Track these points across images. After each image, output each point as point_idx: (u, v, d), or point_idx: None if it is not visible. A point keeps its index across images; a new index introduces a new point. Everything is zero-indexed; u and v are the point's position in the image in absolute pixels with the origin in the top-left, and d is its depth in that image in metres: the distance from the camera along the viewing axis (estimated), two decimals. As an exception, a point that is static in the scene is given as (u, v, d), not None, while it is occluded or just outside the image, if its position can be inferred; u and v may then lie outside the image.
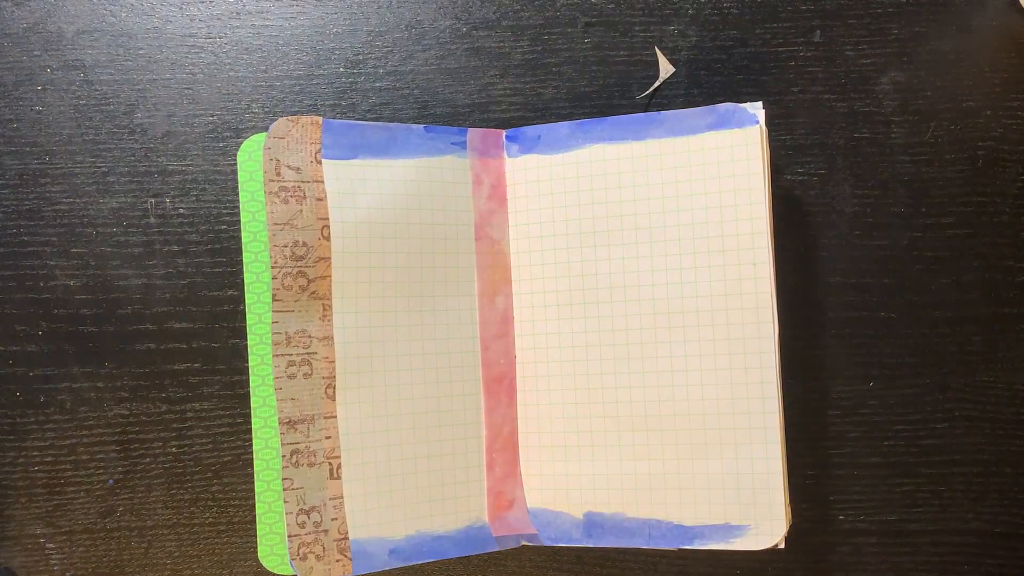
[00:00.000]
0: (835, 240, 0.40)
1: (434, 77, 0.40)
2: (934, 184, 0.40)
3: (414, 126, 0.38)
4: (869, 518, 0.40)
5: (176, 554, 0.40)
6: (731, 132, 0.37)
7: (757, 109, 0.37)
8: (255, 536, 0.40)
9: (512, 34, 0.40)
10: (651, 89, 0.40)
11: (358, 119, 0.40)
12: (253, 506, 0.40)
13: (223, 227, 0.40)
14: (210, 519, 0.40)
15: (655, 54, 0.40)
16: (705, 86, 0.40)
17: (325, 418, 0.37)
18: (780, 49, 0.40)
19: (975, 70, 0.40)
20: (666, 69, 0.40)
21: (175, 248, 0.40)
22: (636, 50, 0.40)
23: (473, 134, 0.39)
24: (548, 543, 0.38)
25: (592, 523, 0.38)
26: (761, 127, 0.36)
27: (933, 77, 0.40)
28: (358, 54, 0.40)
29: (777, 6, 0.40)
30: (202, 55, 0.40)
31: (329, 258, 0.37)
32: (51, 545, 0.40)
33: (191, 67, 0.40)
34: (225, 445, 0.40)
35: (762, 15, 0.40)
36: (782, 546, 0.36)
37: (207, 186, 0.40)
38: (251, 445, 0.39)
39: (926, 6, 0.40)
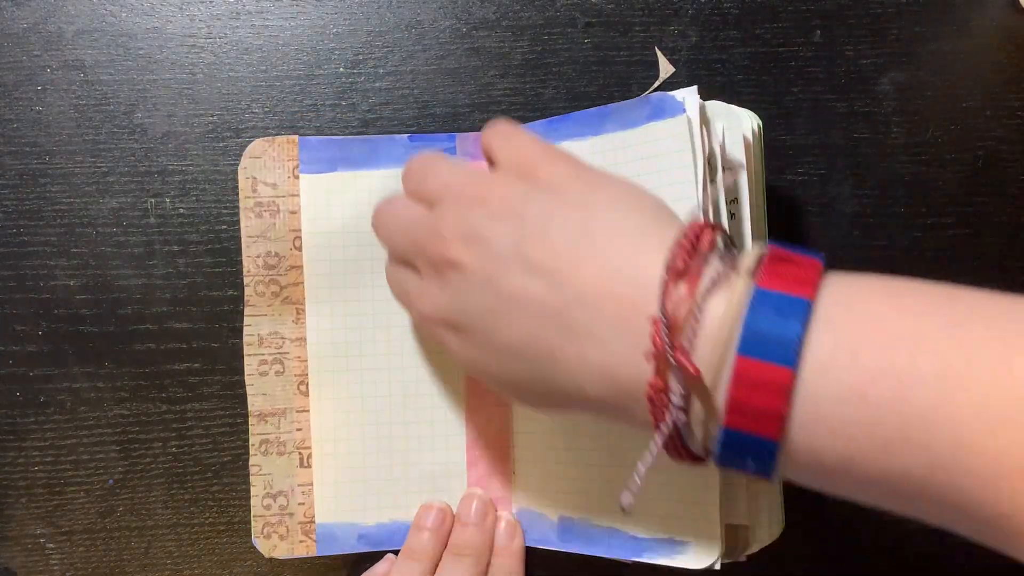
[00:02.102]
0: (835, 240, 0.40)
1: (434, 77, 0.40)
2: (934, 184, 0.40)
3: (398, 136, 0.39)
4: (868, 518, 0.40)
5: (176, 554, 0.40)
6: (665, 123, 0.34)
7: (690, 95, 0.34)
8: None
9: (512, 34, 0.40)
10: (650, 90, 0.40)
11: (358, 119, 0.40)
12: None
13: (223, 227, 0.40)
14: (210, 519, 0.40)
15: (655, 54, 0.40)
16: (705, 86, 0.40)
17: (298, 412, 0.39)
18: (780, 49, 0.40)
19: (975, 70, 0.40)
20: (666, 69, 0.40)
21: (175, 248, 0.40)
22: (636, 50, 0.40)
23: (463, 139, 0.39)
24: (530, 544, 0.38)
25: (564, 527, 0.37)
26: (689, 116, 0.34)
27: (933, 77, 0.40)
28: (358, 54, 0.40)
29: (777, 6, 0.40)
30: (202, 55, 0.40)
31: (301, 267, 0.38)
32: (51, 545, 0.40)
33: (191, 67, 0.40)
34: (225, 445, 0.40)
35: (762, 15, 0.40)
36: (717, 567, 0.33)
37: (207, 186, 0.40)
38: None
39: (926, 6, 0.40)
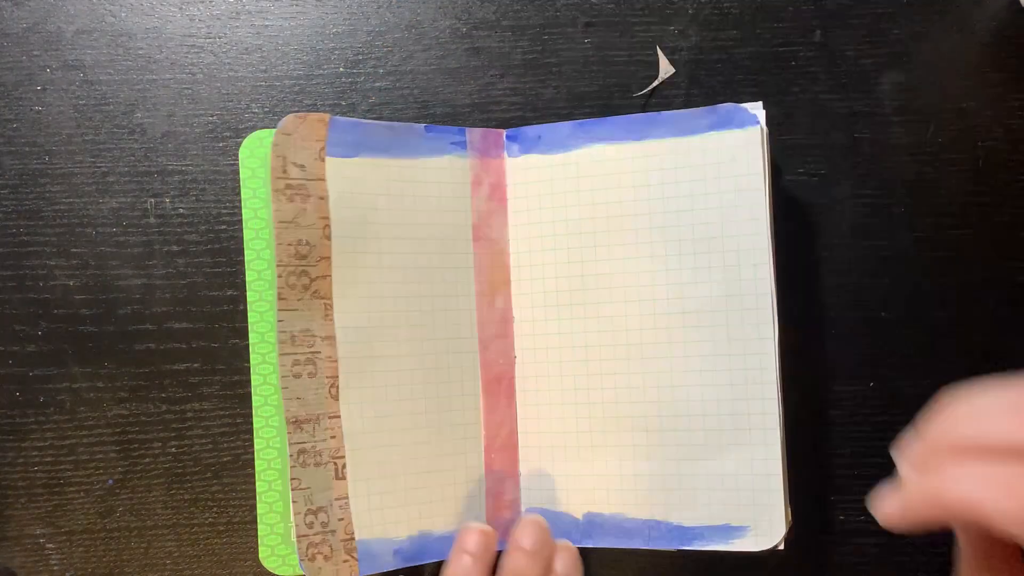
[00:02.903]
0: (835, 240, 0.40)
1: (434, 77, 0.40)
2: (934, 184, 0.40)
3: (416, 125, 0.38)
4: (869, 518, 0.40)
5: (176, 554, 0.40)
6: (732, 132, 0.37)
7: (757, 109, 0.37)
8: (255, 536, 0.39)
9: (512, 34, 0.40)
10: (648, 89, 0.40)
11: (358, 119, 0.40)
12: (253, 506, 0.40)
13: (223, 227, 0.40)
14: (210, 519, 0.40)
15: (655, 54, 0.40)
16: (705, 86, 0.40)
17: (330, 418, 0.37)
18: (780, 49, 0.40)
19: (975, 70, 0.40)
20: (666, 70, 0.40)
21: (175, 248, 0.40)
22: (636, 50, 0.40)
23: (473, 134, 0.39)
24: None
25: (592, 524, 0.38)
26: (762, 127, 0.36)
27: (933, 77, 0.40)
28: (358, 54, 0.40)
29: (777, 6, 0.40)
30: (202, 55, 0.40)
31: (330, 257, 0.37)
32: (51, 545, 0.40)
33: (191, 67, 0.40)
34: (225, 445, 0.40)
35: (762, 15, 0.40)
36: (781, 547, 0.36)
37: (207, 186, 0.40)
38: (251, 445, 0.39)
39: (926, 6, 0.40)
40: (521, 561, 0.35)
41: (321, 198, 0.37)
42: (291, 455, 0.36)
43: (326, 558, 0.36)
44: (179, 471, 0.40)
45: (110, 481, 0.40)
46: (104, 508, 0.40)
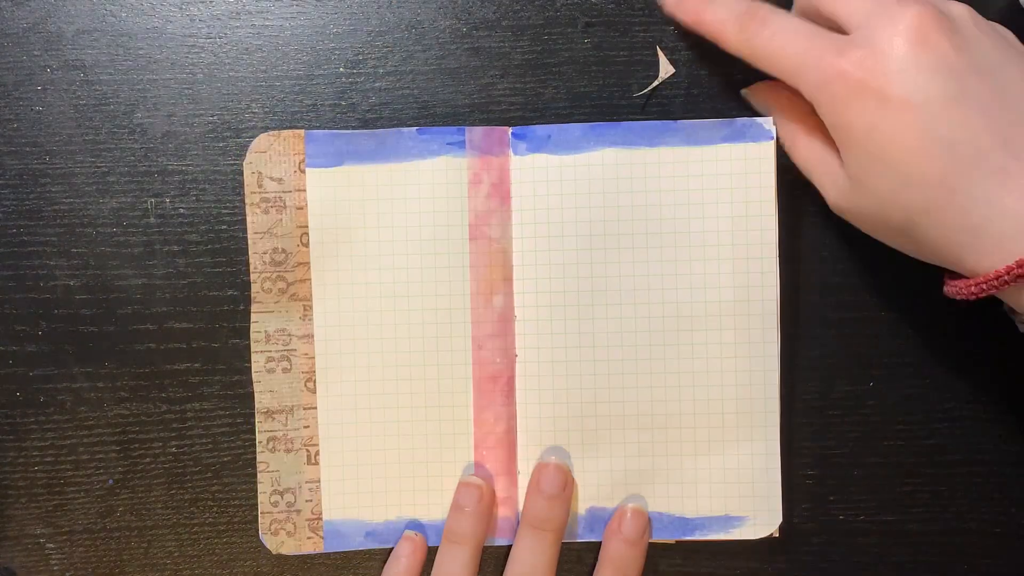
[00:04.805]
0: (835, 240, 0.40)
1: (434, 77, 0.40)
2: (934, 184, 0.40)
3: (406, 129, 0.38)
4: (869, 518, 0.40)
5: (176, 554, 0.40)
6: (746, 146, 0.37)
7: (769, 124, 0.38)
8: (255, 536, 0.40)
9: (512, 34, 0.40)
10: (649, 89, 0.40)
11: (358, 119, 0.40)
12: (253, 506, 0.40)
13: (223, 227, 0.40)
14: (210, 519, 0.40)
15: (655, 54, 0.40)
16: (705, 86, 0.40)
17: (305, 409, 0.39)
18: (780, 49, 0.40)
19: (975, 70, 0.40)
20: (666, 69, 0.40)
21: (175, 248, 0.40)
22: (636, 50, 0.40)
23: (473, 132, 0.39)
24: None
25: (595, 518, 0.39)
26: (775, 143, 0.37)
27: (933, 77, 0.40)
28: (358, 54, 0.40)
29: (777, 6, 0.40)
30: (202, 55, 0.40)
31: (308, 263, 0.38)
32: (51, 545, 0.40)
33: (191, 67, 0.40)
34: (225, 445, 0.40)
35: (762, 15, 0.40)
36: (777, 535, 0.38)
37: (207, 186, 0.40)
38: (252, 445, 0.40)
39: (926, 6, 0.40)
40: (549, 504, 0.36)
41: (299, 208, 0.38)
42: (260, 441, 0.38)
43: (288, 534, 0.38)
44: (179, 471, 0.40)
45: (110, 481, 0.40)
46: (104, 508, 0.40)
